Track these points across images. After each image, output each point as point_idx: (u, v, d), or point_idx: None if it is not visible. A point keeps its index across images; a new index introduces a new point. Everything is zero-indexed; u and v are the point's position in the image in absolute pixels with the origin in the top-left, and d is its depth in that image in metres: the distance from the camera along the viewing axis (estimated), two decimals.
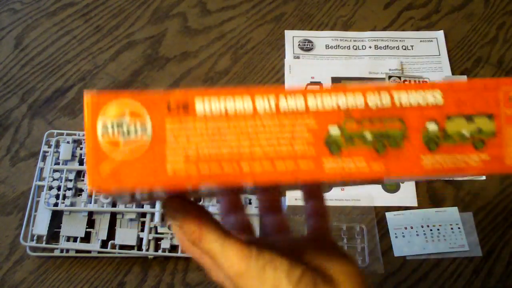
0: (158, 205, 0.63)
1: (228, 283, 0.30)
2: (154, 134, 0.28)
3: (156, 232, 0.63)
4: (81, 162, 0.67)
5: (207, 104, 0.29)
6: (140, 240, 0.63)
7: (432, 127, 0.29)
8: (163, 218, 0.63)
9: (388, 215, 0.66)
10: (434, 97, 0.29)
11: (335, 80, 0.77)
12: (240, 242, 0.30)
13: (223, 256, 0.29)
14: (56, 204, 0.63)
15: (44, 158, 0.68)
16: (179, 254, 0.63)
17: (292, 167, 0.29)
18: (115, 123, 0.28)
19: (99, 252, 0.63)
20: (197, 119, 0.29)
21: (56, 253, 0.63)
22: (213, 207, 0.63)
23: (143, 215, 0.64)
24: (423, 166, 0.29)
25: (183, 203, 0.32)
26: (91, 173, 0.28)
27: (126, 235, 0.62)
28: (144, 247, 0.62)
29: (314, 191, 0.39)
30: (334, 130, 0.29)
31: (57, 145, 0.68)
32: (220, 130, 0.29)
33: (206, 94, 0.29)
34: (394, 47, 0.80)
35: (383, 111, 0.29)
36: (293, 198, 0.66)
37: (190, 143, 0.29)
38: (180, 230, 0.30)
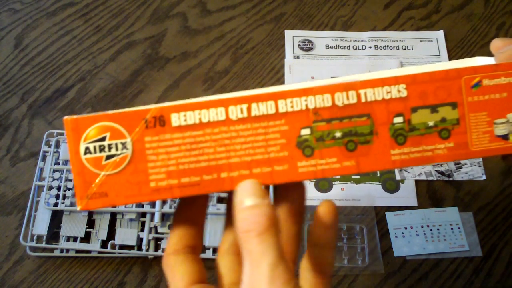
0: (157, 205, 0.63)
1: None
2: (134, 149, 0.30)
3: (156, 232, 0.63)
4: None
5: (183, 117, 0.30)
6: (140, 240, 0.63)
7: (398, 120, 0.30)
8: (163, 218, 0.63)
9: (388, 215, 0.66)
10: (398, 91, 0.30)
11: None
12: (292, 276, 0.27)
13: (264, 271, 0.26)
14: (56, 204, 0.63)
15: (44, 158, 0.68)
16: None
17: (268, 170, 0.30)
18: (97, 145, 0.30)
19: (99, 252, 0.63)
20: (174, 132, 0.30)
21: (56, 253, 0.63)
22: (213, 206, 0.63)
23: (143, 215, 0.64)
24: (392, 159, 0.31)
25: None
26: (79, 191, 0.30)
27: (126, 235, 0.62)
28: (144, 247, 0.62)
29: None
30: (305, 131, 0.30)
31: (57, 145, 0.68)
32: (196, 139, 0.30)
33: (181, 109, 0.30)
34: (394, 47, 0.80)
35: (350, 107, 0.30)
36: None
37: (169, 157, 0.30)
38: (255, 209, 0.27)
